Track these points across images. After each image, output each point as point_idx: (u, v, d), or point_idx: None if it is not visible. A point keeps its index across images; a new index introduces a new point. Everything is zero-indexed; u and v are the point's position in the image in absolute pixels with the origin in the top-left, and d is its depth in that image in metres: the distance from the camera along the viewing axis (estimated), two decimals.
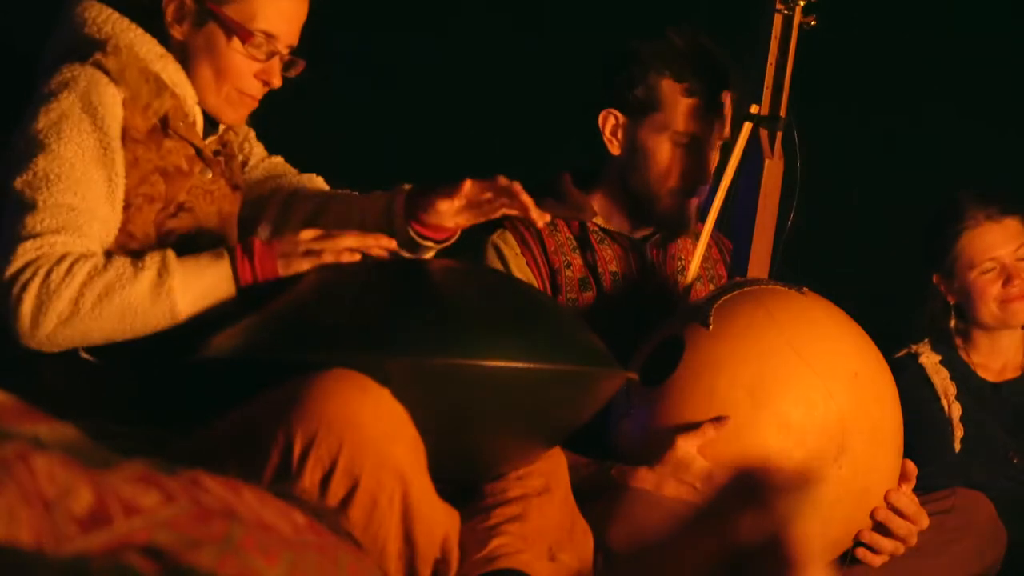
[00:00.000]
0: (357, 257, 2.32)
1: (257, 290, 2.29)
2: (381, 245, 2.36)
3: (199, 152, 2.46)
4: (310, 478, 2.00)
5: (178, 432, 2.20)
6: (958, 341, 3.63)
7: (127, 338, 2.28)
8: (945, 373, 3.59)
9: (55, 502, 1.07)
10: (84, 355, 2.30)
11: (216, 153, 2.52)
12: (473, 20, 4.28)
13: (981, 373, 3.61)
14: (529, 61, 4.06)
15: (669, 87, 2.97)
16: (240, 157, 2.65)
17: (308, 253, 2.31)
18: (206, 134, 2.52)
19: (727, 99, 3.00)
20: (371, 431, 2.04)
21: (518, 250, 2.95)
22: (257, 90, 2.50)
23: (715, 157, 3.01)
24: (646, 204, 3.01)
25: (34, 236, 2.25)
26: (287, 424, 2.03)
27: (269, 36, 2.45)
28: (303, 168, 2.74)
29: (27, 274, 2.23)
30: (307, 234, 2.34)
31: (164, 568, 1.13)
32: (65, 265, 2.22)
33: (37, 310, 2.22)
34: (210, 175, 2.48)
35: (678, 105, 2.96)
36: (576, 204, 3.04)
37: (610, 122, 3.01)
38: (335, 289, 2.26)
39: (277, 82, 2.49)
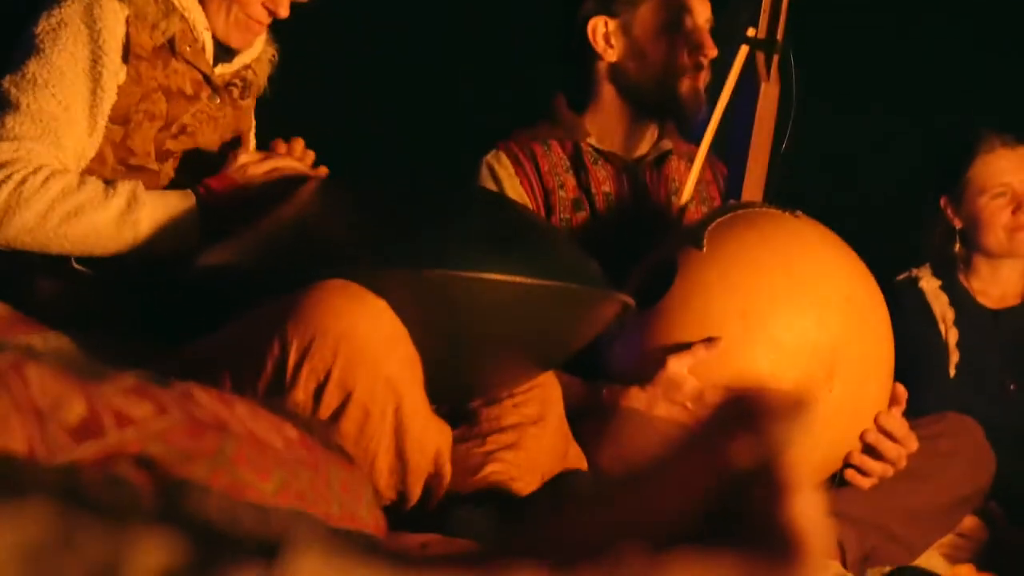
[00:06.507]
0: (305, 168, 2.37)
1: (221, 219, 2.32)
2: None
3: (207, 78, 2.47)
4: (304, 388, 2.00)
5: (173, 345, 2.21)
6: (959, 267, 3.63)
7: (82, 255, 2.32)
8: (944, 298, 3.59)
9: (48, 412, 1.07)
10: (77, 266, 2.31)
11: (230, 84, 2.53)
12: None
13: (981, 300, 3.61)
14: None
15: None
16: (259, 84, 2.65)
17: (261, 167, 2.37)
18: (218, 61, 2.52)
19: None
20: (366, 343, 2.03)
21: (512, 170, 2.96)
22: (263, 16, 2.50)
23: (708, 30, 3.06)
24: (658, 95, 3.03)
25: (12, 139, 2.27)
26: (282, 334, 2.02)
27: None
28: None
29: (1, 175, 2.25)
30: (244, 158, 2.40)
31: (156, 479, 1.14)
32: (41, 177, 2.25)
33: (3, 213, 2.25)
34: (218, 101, 2.49)
35: None
36: (570, 125, 3.05)
37: (600, 30, 3.04)
38: (333, 204, 2.26)
39: (283, 12, 2.49)
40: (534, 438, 2.34)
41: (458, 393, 2.31)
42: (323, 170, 2.49)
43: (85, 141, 2.35)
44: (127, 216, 2.28)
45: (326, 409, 1.99)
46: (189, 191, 2.35)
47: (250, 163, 2.36)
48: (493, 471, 2.27)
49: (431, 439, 2.12)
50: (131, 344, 2.25)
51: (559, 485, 2.25)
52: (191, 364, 2.02)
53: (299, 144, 2.53)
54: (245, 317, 2.11)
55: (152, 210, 2.30)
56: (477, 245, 2.18)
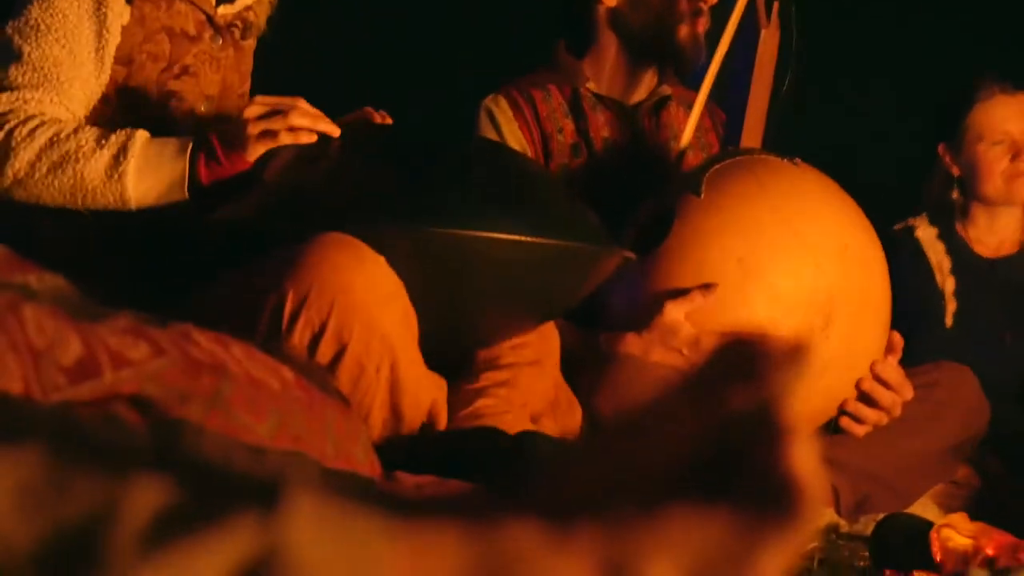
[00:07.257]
0: (313, 137, 2.25)
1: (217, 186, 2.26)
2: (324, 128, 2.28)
3: (210, 19, 2.45)
4: (299, 339, 2.00)
5: (171, 295, 2.20)
6: (957, 216, 3.63)
7: (81, 208, 2.27)
8: (941, 247, 3.59)
9: (44, 352, 1.07)
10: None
11: (232, 25, 2.51)
12: None
13: (978, 249, 3.61)
14: None
15: None
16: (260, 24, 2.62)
17: (263, 135, 2.24)
18: (221, 2, 2.50)
19: None
20: (363, 297, 2.03)
21: (511, 115, 2.96)
22: None
23: None
24: (657, 40, 3.01)
25: (11, 88, 2.26)
26: (280, 285, 2.02)
27: None
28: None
29: None
30: (253, 112, 2.27)
31: (151, 420, 1.14)
32: (30, 126, 2.23)
33: None
34: (220, 42, 2.47)
35: None
36: (569, 70, 3.04)
37: None
38: (335, 162, 2.25)
39: None
40: (528, 378, 2.34)
41: (455, 346, 2.31)
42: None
43: (93, 84, 2.32)
44: (114, 168, 2.23)
45: (321, 361, 1.99)
46: (188, 141, 2.28)
47: (252, 118, 2.30)
48: (485, 404, 2.27)
49: (426, 394, 2.12)
50: (132, 291, 2.24)
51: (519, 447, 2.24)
52: (189, 313, 2.01)
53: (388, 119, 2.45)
54: (244, 269, 2.11)
55: (141, 161, 2.24)
56: (477, 202, 2.17)
